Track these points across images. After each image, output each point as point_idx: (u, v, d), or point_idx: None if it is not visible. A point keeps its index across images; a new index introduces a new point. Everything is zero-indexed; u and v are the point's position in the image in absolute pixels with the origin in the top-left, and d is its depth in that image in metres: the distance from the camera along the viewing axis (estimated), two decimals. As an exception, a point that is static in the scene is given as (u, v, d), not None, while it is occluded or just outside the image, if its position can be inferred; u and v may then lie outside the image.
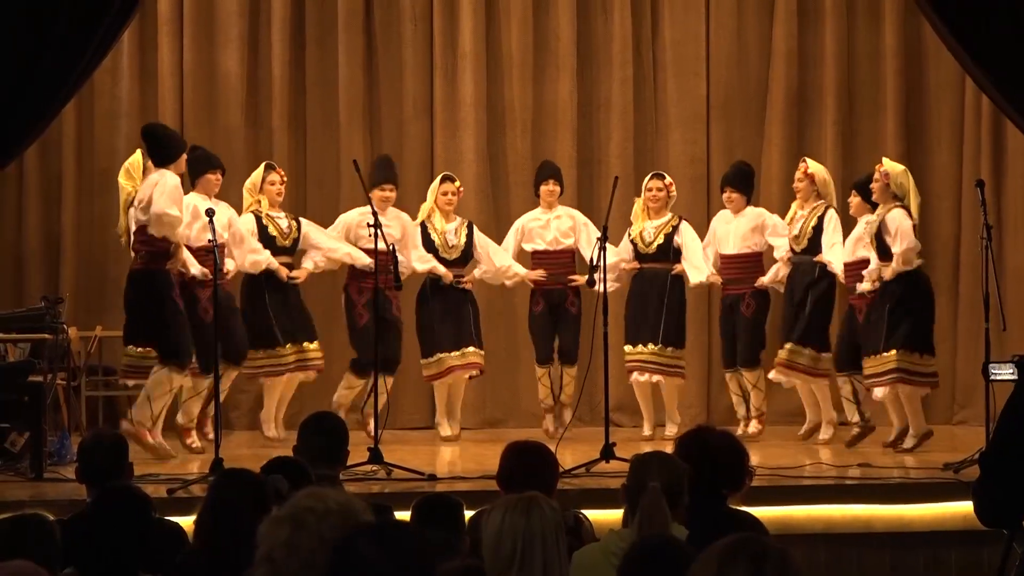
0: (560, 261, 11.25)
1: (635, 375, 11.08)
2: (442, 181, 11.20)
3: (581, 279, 10.76)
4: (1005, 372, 8.85)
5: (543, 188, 11.27)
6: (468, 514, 4.92)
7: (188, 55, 12.52)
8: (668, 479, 4.60)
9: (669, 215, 11.15)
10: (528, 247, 11.38)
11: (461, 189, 11.31)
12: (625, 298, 11.23)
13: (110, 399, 12.22)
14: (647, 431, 11.20)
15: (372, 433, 9.40)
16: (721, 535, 3.04)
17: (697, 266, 10.98)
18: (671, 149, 12.68)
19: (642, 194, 11.24)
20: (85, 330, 11.76)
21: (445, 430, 11.23)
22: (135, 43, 12.43)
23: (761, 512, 5.50)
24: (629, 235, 11.19)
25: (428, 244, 11.11)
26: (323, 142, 12.51)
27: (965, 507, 8.16)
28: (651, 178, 11.26)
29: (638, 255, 11.14)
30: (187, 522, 5.59)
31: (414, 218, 11.22)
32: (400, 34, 12.63)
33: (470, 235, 11.21)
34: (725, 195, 11.14)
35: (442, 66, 12.61)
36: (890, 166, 10.44)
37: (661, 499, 4.45)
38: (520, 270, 11.23)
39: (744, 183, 11.15)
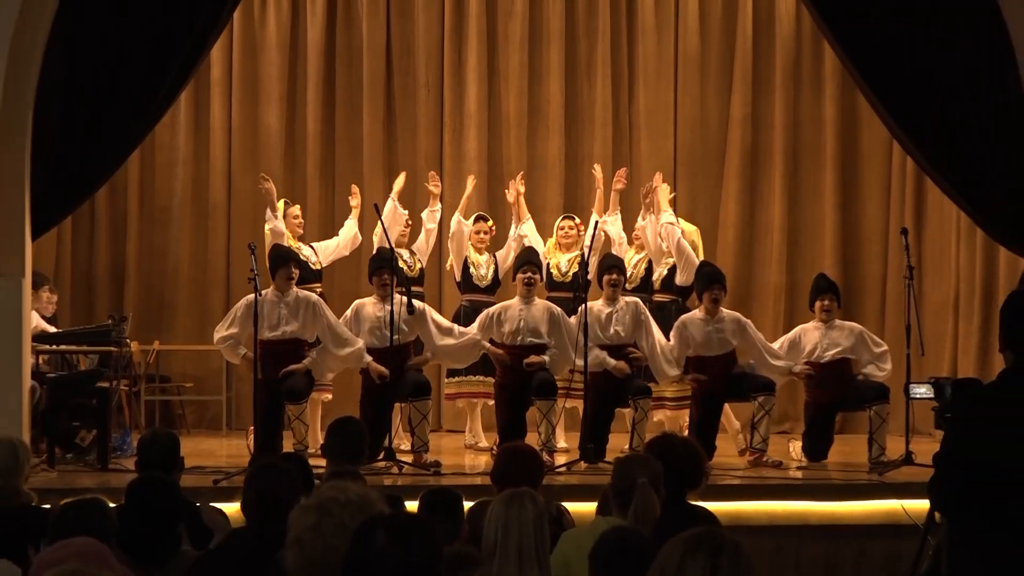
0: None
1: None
2: (476, 221, 10.60)
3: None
4: (922, 391, 8.82)
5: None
6: (467, 505, 4.91)
7: (236, 112, 12.58)
8: (651, 476, 4.60)
9: (577, 252, 10.37)
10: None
11: (493, 228, 10.65)
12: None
13: (165, 403, 12.24)
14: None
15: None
16: (682, 527, 3.04)
17: None
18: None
19: (554, 234, 10.56)
20: (145, 344, 11.76)
21: (483, 443, 10.54)
22: (190, 102, 12.47)
23: (714, 506, 5.50)
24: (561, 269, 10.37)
25: (466, 274, 10.42)
26: (349, 187, 12.48)
27: (887, 504, 8.19)
28: (563, 219, 10.71)
29: (551, 283, 10.34)
30: (229, 508, 5.60)
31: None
32: (415, 98, 12.66)
33: (496, 267, 10.48)
34: (826, 303, 9.77)
35: (450, 125, 12.64)
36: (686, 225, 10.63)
37: (652, 493, 4.45)
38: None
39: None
